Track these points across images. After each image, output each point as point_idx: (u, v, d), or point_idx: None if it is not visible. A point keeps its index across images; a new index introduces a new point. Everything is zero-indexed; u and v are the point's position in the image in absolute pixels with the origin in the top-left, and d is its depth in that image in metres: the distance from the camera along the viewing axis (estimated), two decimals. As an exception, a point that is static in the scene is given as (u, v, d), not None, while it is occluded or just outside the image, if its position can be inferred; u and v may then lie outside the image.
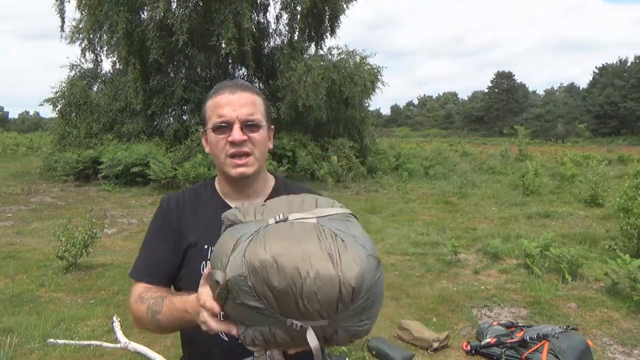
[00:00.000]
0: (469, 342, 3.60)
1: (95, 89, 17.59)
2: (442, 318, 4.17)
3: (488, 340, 3.51)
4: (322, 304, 0.80)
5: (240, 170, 1.14)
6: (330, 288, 0.79)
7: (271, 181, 1.27)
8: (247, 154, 1.14)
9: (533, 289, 4.80)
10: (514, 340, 3.42)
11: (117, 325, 3.81)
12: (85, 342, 3.54)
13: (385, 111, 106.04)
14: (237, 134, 1.12)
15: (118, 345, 3.51)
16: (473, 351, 3.51)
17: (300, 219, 0.88)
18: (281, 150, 14.30)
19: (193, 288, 1.09)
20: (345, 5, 16.93)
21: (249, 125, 1.13)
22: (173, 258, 1.20)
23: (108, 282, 5.11)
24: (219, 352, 1.14)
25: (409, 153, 20.63)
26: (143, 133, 14.81)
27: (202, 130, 1.23)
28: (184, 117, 15.48)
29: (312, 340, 0.83)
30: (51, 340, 3.56)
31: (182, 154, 13.19)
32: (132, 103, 14.80)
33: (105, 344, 3.52)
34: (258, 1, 16.63)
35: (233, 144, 1.12)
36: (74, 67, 17.48)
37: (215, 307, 0.89)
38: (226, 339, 1.13)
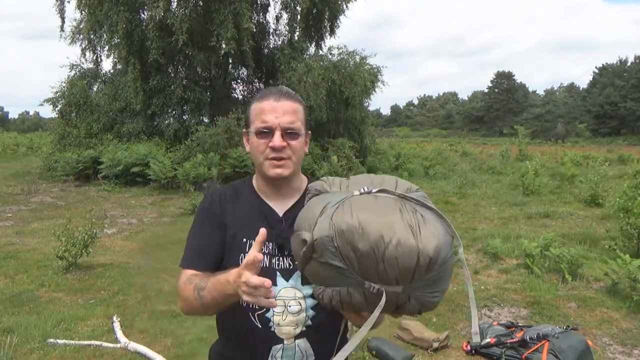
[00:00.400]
0: (469, 342, 3.60)
1: (95, 89, 17.59)
2: (442, 318, 4.17)
3: (488, 340, 3.51)
4: (401, 269, 0.87)
5: (278, 171, 1.21)
6: (410, 256, 0.86)
7: (304, 182, 1.34)
8: (285, 159, 1.21)
9: (533, 289, 4.80)
10: (514, 340, 3.42)
11: (117, 325, 3.81)
12: (85, 342, 3.54)
13: (385, 111, 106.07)
14: (277, 140, 1.19)
15: (118, 345, 3.51)
16: (473, 351, 3.51)
17: (383, 193, 0.98)
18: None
19: None
20: (344, 5, 16.93)
21: (289, 133, 1.20)
22: (219, 247, 1.26)
23: (108, 282, 5.11)
24: (253, 338, 1.22)
25: (409, 153, 20.63)
26: (143, 133, 14.81)
27: (244, 130, 1.30)
28: (184, 117, 15.48)
29: (382, 302, 0.90)
30: (51, 340, 3.56)
31: (182, 154, 13.19)
32: (132, 103, 14.80)
33: (105, 344, 3.52)
34: (258, 1, 16.63)
35: (273, 149, 1.19)
36: (74, 67, 17.50)
37: (252, 278, 0.96)
38: (259, 325, 1.20)
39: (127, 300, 4.58)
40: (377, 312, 0.91)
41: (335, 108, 15.41)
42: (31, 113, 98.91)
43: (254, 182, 1.34)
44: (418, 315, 0.99)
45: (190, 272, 1.25)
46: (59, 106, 16.02)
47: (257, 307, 1.20)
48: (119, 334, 3.68)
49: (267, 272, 1.19)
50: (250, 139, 1.26)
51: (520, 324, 3.81)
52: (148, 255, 6.28)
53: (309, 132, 1.31)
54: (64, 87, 16.07)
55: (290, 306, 1.21)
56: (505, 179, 14.23)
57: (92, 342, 3.55)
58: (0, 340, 3.50)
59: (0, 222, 8.12)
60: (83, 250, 5.39)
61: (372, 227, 0.88)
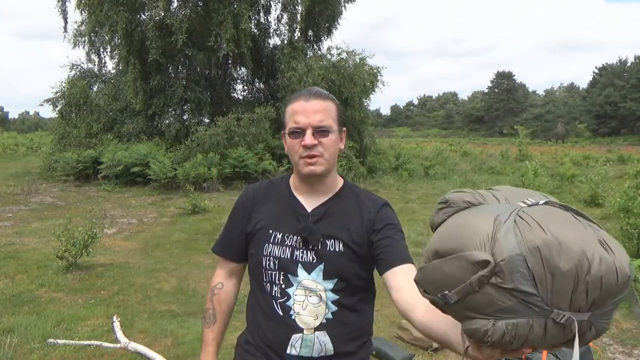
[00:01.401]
0: (469, 342, 3.59)
1: (95, 89, 17.59)
2: (442, 318, 4.16)
3: (488, 340, 3.50)
4: (603, 291, 0.74)
5: (311, 168, 1.27)
6: (612, 274, 0.74)
7: (339, 182, 1.40)
8: (317, 156, 1.26)
9: (533, 289, 4.80)
10: (514, 340, 3.41)
11: (117, 325, 3.82)
12: (85, 342, 3.54)
13: (385, 111, 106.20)
14: (308, 139, 1.25)
15: (118, 345, 3.51)
16: (473, 351, 3.50)
17: (550, 205, 0.83)
18: (281, 150, 14.30)
19: (256, 267, 1.34)
20: (344, 6, 16.94)
21: (319, 131, 1.25)
22: (241, 239, 1.40)
23: (108, 282, 5.10)
24: (274, 324, 1.29)
25: (409, 153, 20.63)
26: (143, 133, 14.81)
27: (282, 132, 1.35)
28: (184, 117, 15.49)
29: (576, 339, 0.77)
30: (51, 340, 3.56)
31: (182, 154, 13.19)
32: (132, 103, 14.80)
33: (105, 344, 3.53)
34: (258, 1, 16.64)
35: (305, 147, 1.25)
36: (74, 67, 17.49)
37: None
38: (281, 313, 1.28)
39: (127, 300, 4.58)
40: (577, 346, 0.77)
41: (335, 108, 15.41)
42: (31, 113, 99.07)
43: (290, 179, 1.41)
44: (586, 343, 0.83)
45: (220, 267, 1.48)
46: (59, 106, 16.02)
47: (278, 295, 1.28)
48: (119, 334, 3.68)
49: (289, 263, 1.28)
50: (286, 140, 1.32)
51: (520, 324, 3.80)
52: (148, 255, 6.28)
53: (345, 129, 1.34)
54: (64, 87, 16.07)
55: (310, 297, 1.26)
56: (505, 179, 14.23)
57: (92, 342, 3.55)
58: (0, 340, 3.50)
59: (0, 222, 8.12)
60: (83, 250, 5.38)
61: (571, 241, 0.74)
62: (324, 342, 1.25)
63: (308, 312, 1.26)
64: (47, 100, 16.09)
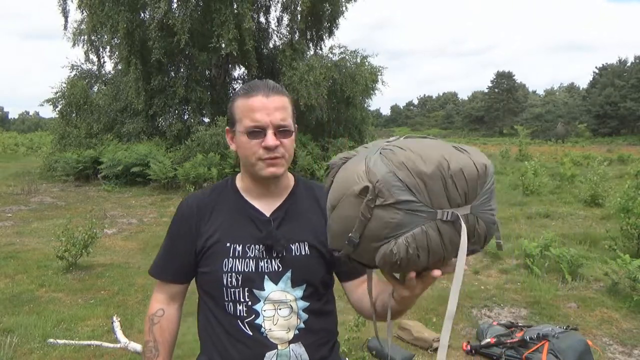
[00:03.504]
0: (469, 342, 3.60)
1: (95, 89, 17.59)
2: (442, 318, 4.16)
3: (488, 340, 3.51)
4: (468, 181, 0.86)
5: (272, 170, 1.16)
6: (471, 166, 0.86)
7: (291, 180, 1.30)
8: (279, 157, 1.16)
9: (533, 289, 4.80)
10: (514, 340, 3.42)
11: (117, 325, 3.82)
12: (85, 342, 3.55)
13: (385, 111, 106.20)
14: (271, 140, 1.13)
15: (118, 345, 3.51)
16: (473, 351, 3.51)
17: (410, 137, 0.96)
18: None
19: (215, 286, 1.19)
20: (344, 6, 16.93)
21: (282, 131, 1.15)
22: (188, 258, 1.24)
23: (108, 282, 5.10)
24: (244, 346, 1.17)
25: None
26: (143, 133, 14.81)
27: (227, 128, 1.23)
28: (185, 117, 15.49)
29: (464, 225, 0.85)
30: (51, 340, 3.56)
31: (182, 154, 13.20)
32: (132, 103, 14.79)
33: (105, 344, 3.53)
34: (259, 2, 16.64)
35: (267, 149, 1.14)
36: (75, 68, 17.50)
37: None
38: (250, 332, 1.16)
39: (127, 300, 4.58)
40: (464, 238, 0.85)
41: (336, 107, 15.41)
42: (31, 113, 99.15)
43: (237, 182, 1.28)
44: (481, 249, 0.95)
45: (157, 296, 1.32)
46: (59, 106, 16.02)
47: (244, 314, 1.16)
48: (119, 334, 3.68)
49: (254, 276, 1.16)
50: (237, 138, 1.19)
51: (520, 324, 3.81)
52: (148, 255, 6.27)
53: (296, 125, 1.24)
54: (64, 87, 16.08)
55: (280, 309, 1.16)
56: (505, 179, 14.22)
57: (92, 342, 3.56)
58: (0, 340, 3.50)
59: (0, 222, 8.12)
60: (83, 250, 5.38)
61: (429, 151, 0.87)
62: (299, 353, 1.17)
63: (280, 326, 1.16)
64: (47, 101, 16.10)
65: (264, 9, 17.23)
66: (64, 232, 5.33)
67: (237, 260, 1.17)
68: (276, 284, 1.17)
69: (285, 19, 16.85)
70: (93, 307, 4.37)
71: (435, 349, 3.55)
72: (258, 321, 1.16)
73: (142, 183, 12.57)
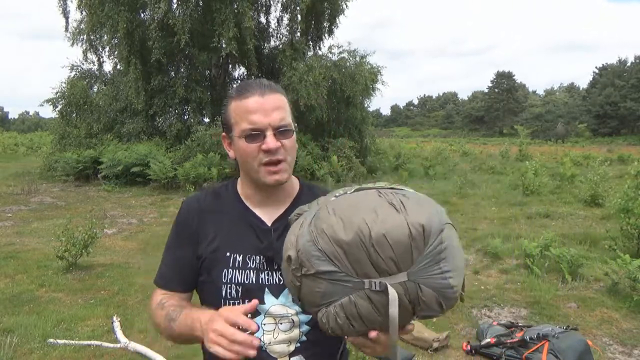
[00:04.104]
0: (469, 342, 3.60)
1: (95, 89, 17.59)
2: (442, 318, 4.16)
3: (488, 340, 3.51)
4: (395, 248, 0.78)
5: (276, 177, 1.08)
6: (400, 230, 0.79)
7: (296, 184, 1.23)
8: (280, 161, 1.08)
9: (533, 289, 4.80)
10: (514, 340, 3.42)
11: (117, 325, 3.83)
12: (85, 342, 3.55)
13: (385, 111, 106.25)
14: (271, 142, 1.05)
15: (118, 345, 3.51)
16: (473, 351, 3.51)
17: (360, 190, 0.91)
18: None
19: (213, 297, 1.11)
20: (344, 5, 16.93)
21: (282, 132, 1.07)
22: (192, 266, 1.16)
23: (108, 282, 5.10)
24: None
25: (409, 153, 20.62)
26: (143, 133, 14.82)
27: (223, 134, 1.15)
28: (185, 117, 15.50)
29: (393, 296, 0.78)
30: (51, 340, 3.56)
31: (182, 154, 13.20)
32: (132, 103, 14.80)
33: (105, 344, 3.53)
34: (259, 1, 16.64)
35: (268, 152, 1.06)
36: (75, 68, 17.49)
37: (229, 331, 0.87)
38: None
39: (127, 300, 4.57)
40: (394, 310, 0.79)
41: (336, 107, 15.42)
42: (31, 113, 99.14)
43: (238, 187, 1.20)
44: (441, 314, 0.86)
45: (162, 292, 1.18)
46: (59, 106, 16.03)
47: (242, 328, 1.08)
48: (119, 334, 3.69)
49: (255, 289, 1.09)
50: (234, 144, 1.11)
51: (520, 324, 3.81)
52: (148, 255, 6.27)
53: (295, 124, 1.16)
54: (64, 87, 16.08)
55: (281, 324, 1.09)
56: (505, 179, 14.22)
57: (92, 342, 3.56)
58: (0, 340, 3.50)
59: (0, 222, 8.12)
60: (83, 250, 5.38)
61: (352, 215, 0.81)
62: None
63: (280, 340, 1.09)
64: (47, 101, 16.10)
65: (264, 8, 17.24)
66: (64, 232, 5.33)
67: (237, 271, 1.11)
68: (277, 297, 1.10)
69: (285, 19, 16.87)
70: (93, 307, 4.37)
71: (436, 349, 3.55)
72: (257, 335, 1.08)
73: (142, 183, 12.57)
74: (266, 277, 1.10)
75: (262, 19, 17.35)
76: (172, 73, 15.76)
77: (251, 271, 1.10)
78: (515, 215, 8.73)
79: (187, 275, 1.17)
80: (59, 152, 14.80)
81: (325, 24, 17.18)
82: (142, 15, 14.85)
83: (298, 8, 15.76)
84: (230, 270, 1.10)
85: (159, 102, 14.73)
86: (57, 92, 16.04)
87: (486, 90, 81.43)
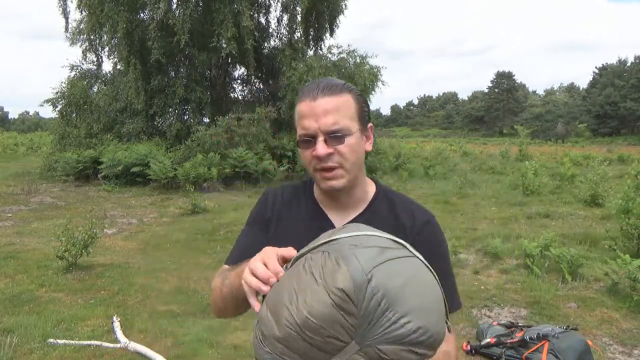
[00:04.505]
0: (469, 342, 3.59)
1: (95, 89, 17.61)
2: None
3: (488, 340, 3.51)
4: (326, 325, 0.71)
5: (330, 183, 1.05)
6: (321, 305, 0.71)
7: (371, 188, 1.16)
8: (335, 168, 1.03)
9: (533, 289, 4.80)
10: (514, 340, 3.42)
11: (117, 325, 3.83)
12: (85, 342, 3.55)
13: (385, 111, 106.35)
14: (321, 148, 1.01)
15: (118, 345, 3.51)
16: (473, 351, 3.51)
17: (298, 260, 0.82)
18: (281, 150, 14.33)
19: None
20: (344, 5, 16.95)
21: (333, 137, 1.01)
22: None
23: (108, 282, 5.10)
24: None
25: (409, 153, 20.61)
26: (143, 133, 14.84)
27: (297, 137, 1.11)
28: (184, 117, 15.51)
29: None
30: (51, 340, 3.56)
31: (182, 154, 13.21)
32: (132, 103, 14.83)
33: (105, 344, 3.53)
34: (258, 1, 16.65)
35: (318, 158, 1.02)
36: (75, 68, 17.51)
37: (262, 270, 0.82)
38: None
39: (127, 300, 4.57)
40: None
41: (336, 108, 15.41)
42: (31, 113, 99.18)
43: (314, 189, 1.17)
44: (429, 355, 0.77)
45: (226, 267, 1.14)
46: (59, 106, 16.05)
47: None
48: (119, 334, 3.69)
49: None
50: (300, 149, 1.09)
51: (520, 324, 3.81)
52: (148, 255, 6.28)
53: (371, 125, 1.10)
54: (64, 87, 16.10)
55: None
56: (505, 179, 14.22)
57: (92, 342, 3.56)
58: (0, 340, 3.50)
59: (0, 222, 8.12)
60: (83, 250, 5.38)
61: (278, 306, 0.75)
62: None
63: None
64: (47, 101, 16.12)
65: (263, 8, 17.25)
66: (64, 232, 5.33)
67: None
68: None
69: (285, 19, 16.89)
70: (93, 307, 4.37)
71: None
72: None
73: (142, 183, 12.57)
74: None
75: (262, 19, 17.38)
76: (172, 73, 15.77)
77: None
78: (515, 215, 8.73)
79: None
80: (59, 152, 14.81)
81: (325, 24, 17.20)
82: (142, 15, 14.85)
83: (298, 8, 15.77)
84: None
85: (158, 102, 14.75)
86: (57, 92, 16.07)
87: (486, 90, 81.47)
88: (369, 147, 1.10)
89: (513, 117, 72.29)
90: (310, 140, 1.03)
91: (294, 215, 1.15)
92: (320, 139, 1.01)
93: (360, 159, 1.08)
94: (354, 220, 1.08)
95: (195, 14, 13.97)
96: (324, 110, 1.01)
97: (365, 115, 1.08)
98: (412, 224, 1.09)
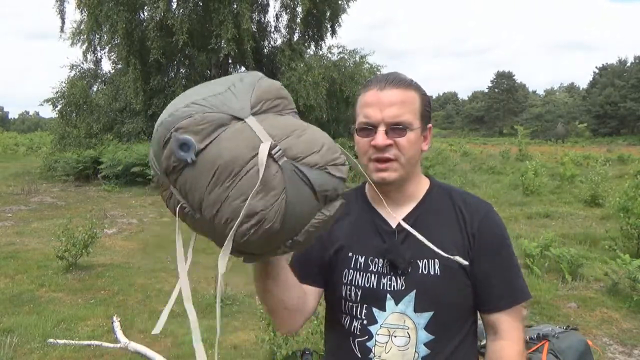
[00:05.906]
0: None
1: (95, 89, 17.60)
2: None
3: (488, 340, 3.50)
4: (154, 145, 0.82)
5: (382, 175, 1.03)
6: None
7: (425, 185, 1.13)
8: (391, 160, 1.02)
9: (533, 289, 4.80)
10: (514, 340, 3.41)
11: (117, 325, 3.83)
12: (85, 342, 3.55)
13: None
14: (380, 138, 1.01)
15: (118, 345, 3.52)
16: (473, 351, 3.50)
17: None
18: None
19: (334, 297, 1.09)
20: (345, 5, 16.95)
21: (395, 129, 1.01)
22: (323, 262, 1.11)
23: (108, 282, 5.10)
24: None
25: (409, 153, 20.51)
26: (143, 133, 14.83)
27: (352, 126, 1.11)
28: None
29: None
30: (51, 340, 3.56)
31: (182, 154, 13.20)
32: (132, 103, 14.82)
33: (105, 344, 3.53)
34: (258, 1, 16.65)
35: (376, 148, 1.02)
36: (74, 68, 17.50)
37: None
38: (359, 354, 1.04)
39: (127, 300, 4.57)
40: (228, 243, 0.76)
41: (336, 107, 15.44)
42: (31, 113, 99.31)
43: (366, 188, 1.16)
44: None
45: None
46: (59, 106, 16.04)
47: (357, 332, 1.04)
48: (119, 334, 3.69)
49: (375, 294, 1.03)
50: (355, 137, 1.08)
51: (520, 324, 3.80)
52: (148, 255, 6.28)
53: (430, 125, 1.10)
54: (64, 87, 16.09)
55: (395, 337, 1.01)
56: (505, 179, 14.22)
57: (92, 342, 3.56)
58: (0, 340, 3.50)
59: (0, 222, 8.12)
60: (83, 250, 5.38)
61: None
62: None
63: (391, 355, 1.00)
64: (47, 100, 16.11)
65: (263, 9, 17.25)
66: (64, 232, 5.33)
67: (357, 272, 1.06)
68: (397, 304, 1.02)
69: (285, 19, 16.89)
70: (93, 307, 4.37)
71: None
72: (369, 344, 1.03)
73: (142, 183, 12.56)
74: (388, 282, 1.03)
75: (262, 19, 17.38)
76: (172, 73, 15.78)
77: (372, 275, 1.05)
78: (515, 215, 8.73)
79: (310, 271, 1.11)
80: (59, 152, 14.81)
81: (326, 24, 17.20)
82: (141, 15, 14.86)
83: (298, 9, 15.78)
84: (351, 271, 1.07)
85: (158, 102, 14.74)
86: (56, 92, 16.06)
87: (486, 90, 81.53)
88: (425, 147, 1.09)
89: (513, 117, 72.32)
90: (370, 129, 1.02)
91: (347, 217, 1.11)
92: (381, 129, 1.01)
93: (416, 157, 1.07)
94: (407, 216, 1.07)
95: (194, 14, 13.99)
96: (389, 102, 1.02)
97: (427, 115, 1.09)
98: (473, 211, 1.08)
